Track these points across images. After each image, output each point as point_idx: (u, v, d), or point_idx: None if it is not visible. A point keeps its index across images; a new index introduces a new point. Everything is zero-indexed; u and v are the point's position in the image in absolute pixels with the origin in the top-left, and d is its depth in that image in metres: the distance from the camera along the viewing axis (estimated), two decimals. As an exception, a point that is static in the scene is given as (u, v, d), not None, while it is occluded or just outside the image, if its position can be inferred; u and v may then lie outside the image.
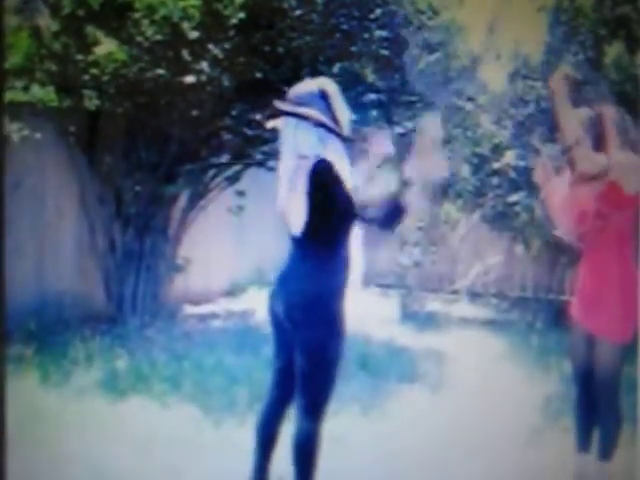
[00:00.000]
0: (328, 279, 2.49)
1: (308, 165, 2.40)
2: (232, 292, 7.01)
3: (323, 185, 2.38)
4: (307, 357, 2.49)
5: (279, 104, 2.51)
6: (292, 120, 2.45)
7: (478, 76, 6.47)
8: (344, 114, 2.48)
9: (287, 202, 2.50)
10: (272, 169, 6.56)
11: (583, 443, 2.96)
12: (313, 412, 2.54)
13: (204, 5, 4.82)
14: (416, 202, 2.50)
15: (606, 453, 2.89)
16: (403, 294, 6.65)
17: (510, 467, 3.10)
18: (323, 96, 2.45)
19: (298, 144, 2.45)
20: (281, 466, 2.65)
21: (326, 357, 2.50)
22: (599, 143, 2.83)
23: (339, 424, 3.67)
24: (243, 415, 3.67)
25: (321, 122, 2.42)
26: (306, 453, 2.53)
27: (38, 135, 4.74)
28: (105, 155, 5.41)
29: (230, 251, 7.17)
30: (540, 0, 6.12)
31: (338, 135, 2.45)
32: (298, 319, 2.51)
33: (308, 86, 2.52)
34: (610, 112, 2.90)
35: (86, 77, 4.80)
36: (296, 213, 2.46)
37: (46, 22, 4.62)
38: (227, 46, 5.00)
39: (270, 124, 2.58)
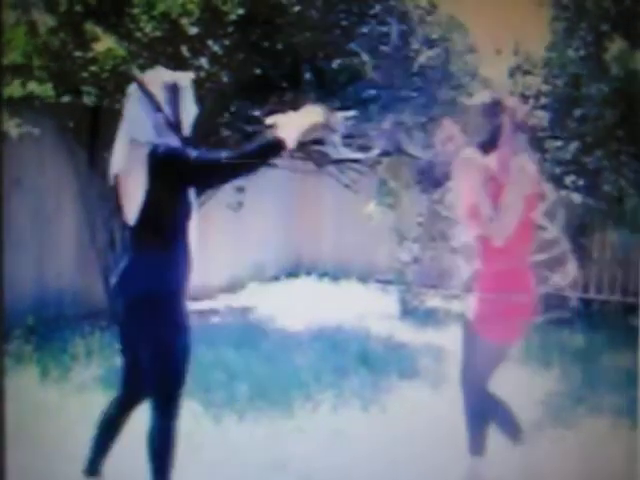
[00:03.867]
0: (166, 273, 2.43)
1: (144, 152, 2.35)
2: (231, 288, 7.01)
3: (163, 171, 2.33)
4: (150, 354, 2.45)
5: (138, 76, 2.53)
6: (137, 98, 2.45)
7: (478, 72, 6.45)
8: (189, 113, 2.48)
9: (122, 189, 2.44)
10: (272, 165, 6.55)
11: (474, 446, 2.88)
12: (164, 409, 2.48)
13: (203, 1, 4.81)
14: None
15: (514, 437, 2.86)
16: (402, 290, 6.65)
17: (509, 462, 3.09)
18: (173, 89, 2.46)
19: (133, 125, 2.43)
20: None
21: (170, 353, 2.44)
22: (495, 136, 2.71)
23: (339, 420, 3.68)
24: (243, 410, 3.68)
25: (160, 108, 2.41)
26: (160, 450, 2.50)
27: (37, 131, 4.73)
28: (104, 151, 5.39)
29: (229, 247, 7.16)
30: (541, -5, 6.10)
31: (175, 131, 2.43)
32: (137, 316, 2.45)
33: (166, 75, 2.52)
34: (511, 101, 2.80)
35: (85, 73, 4.79)
36: (131, 201, 2.41)
37: (43, 18, 4.61)
38: (226, 42, 4.99)
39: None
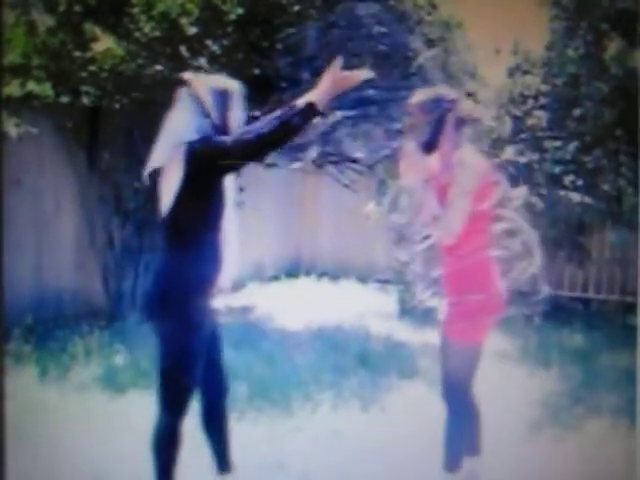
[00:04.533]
0: (188, 269, 2.42)
1: (182, 148, 2.38)
2: (232, 288, 7.00)
3: (199, 161, 2.34)
4: (160, 350, 2.44)
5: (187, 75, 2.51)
6: (185, 102, 2.46)
7: (478, 71, 6.45)
8: (236, 119, 2.49)
9: (159, 186, 2.46)
10: (272, 165, 6.56)
11: (452, 463, 2.75)
12: (169, 406, 2.48)
13: (202, 1, 4.82)
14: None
15: (473, 450, 2.80)
16: (401, 290, 6.65)
17: (508, 462, 3.09)
18: (222, 95, 2.48)
19: (179, 127, 2.44)
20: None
21: (179, 351, 2.42)
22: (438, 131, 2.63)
23: (338, 419, 3.68)
24: (242, 410, 3.68)
25: (208, 114, 2.43)
26: (162, 447, 2.49)
27: (36, 131, 4.74)
28: (104, 151, 5.40)
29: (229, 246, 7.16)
30: (541, -5, 6.10)
31: (221, 134, 2.43)
32: (150, 311, 2.46)
33: (216, 81, 2.54)
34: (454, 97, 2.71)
35: (84, 73, 4.79)
36: (166, 197, 2.42)
37: (42, 18, 4.61)
38: (225, 42, 4.99)
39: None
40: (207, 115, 2.44)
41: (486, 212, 2.65)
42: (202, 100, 2.44)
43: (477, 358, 2.72)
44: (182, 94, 2.50)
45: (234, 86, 2.53)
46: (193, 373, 2.47)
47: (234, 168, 2.46)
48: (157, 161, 2.47)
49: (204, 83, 2.49)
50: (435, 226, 2.66)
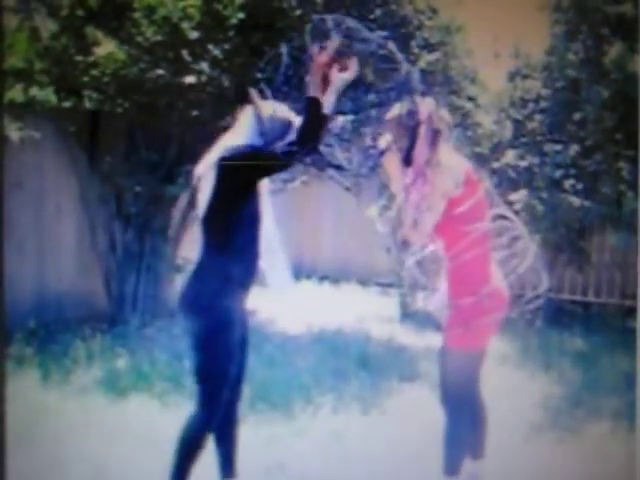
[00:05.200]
0: (222, 270, 2.51)
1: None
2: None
3: (231, 163, 2.47)
4: (194, 348, 2.52)
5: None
6: (248, 119, 2.63)
7: (478, 76, 6.46)
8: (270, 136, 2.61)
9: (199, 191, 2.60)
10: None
11: (451, 468, 2.75)
12: (200, 400, 2.54)
13: (204, 5, 4.83)
14: None
15: (476, 452, 2.82)
16: (403, 293, 6.65)
17: (509, 465, 3.10)
18: (283, 123, 2.64)
19: (233, 140, 2.59)
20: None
21: (213, 350, 2.50)
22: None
23: (339, 422, 3.69)
24: (244, 414, 3.68)
25: (264, 135, 2.59)
26: (185, 440, 2.56)
27: (38, 135, 4.75)
28: (105, 155, 5.42)
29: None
30: (541, -1, 6.12)
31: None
32: (181, 307, 2.56)
33: (279, 110, 2.68)
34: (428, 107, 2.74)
35: (86, 78, 4.80)
36: (203, 191, 2.55)
37: (44, 23, 4.62)
38: (227, 46, 5.01)
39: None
40: (262, 135, 2.58)
41: (470, 212, 2.66)
42: (262, 121, 2.59)
43: (479, 364, 2.72)
44: (247, 112, 2.65)
45: (294, 119, 2.65)
46: (227, 371, 2.53)
47: (268, 172, 2.58)
48: (202, 168, 2.58)
49: (269, 108, 2.64)
50: (406, 233, 2.72)
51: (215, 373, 2.52)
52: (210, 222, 2.54)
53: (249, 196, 2.55)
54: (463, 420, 2.75)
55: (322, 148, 6.30)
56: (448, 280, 2.77)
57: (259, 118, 2.60)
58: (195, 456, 2.57)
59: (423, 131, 2.67)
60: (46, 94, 4.79)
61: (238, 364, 2.63)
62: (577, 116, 5.90)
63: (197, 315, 2.51)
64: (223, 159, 2.50)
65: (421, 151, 2.66)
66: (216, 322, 2.50)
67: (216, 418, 2.57)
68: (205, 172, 2.56)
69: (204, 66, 4.88)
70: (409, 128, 2.69)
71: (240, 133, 2.61)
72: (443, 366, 2.75)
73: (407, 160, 2.70)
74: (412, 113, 2.71)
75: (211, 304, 2.50)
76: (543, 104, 6.22)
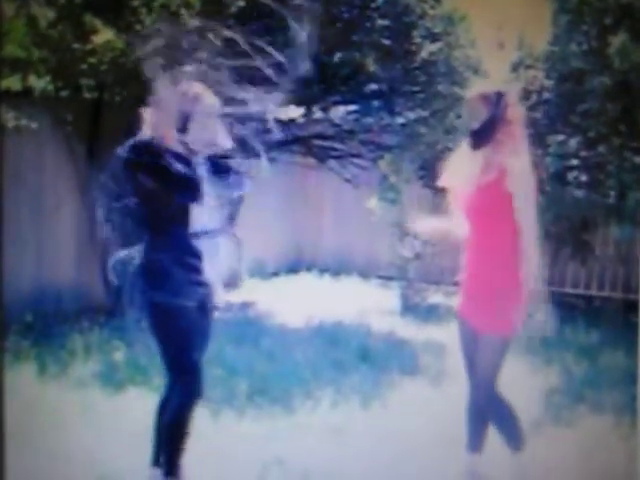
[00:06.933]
0: (156, 262, 2.56)
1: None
2: (231, 283, 6.98)
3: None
4: (154, 335, 2.61)
5: None
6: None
7: (481, 66, 6.40)
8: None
9: None
10: (272, 159, 6.51)
11: (474, 443, 2.86)
12: (171, 384, 2.63)
13: (203, -7, 4.77)
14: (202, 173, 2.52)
15: (515, 444, 2.81)
16: (404, 286, 6.62)
17: (509, 460, 3.07)
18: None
19: None
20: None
21: (163, 339, 2.58)
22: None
23: (339, 416, 3.66)
24: (242, 407, 3.66)
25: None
26: (174, 432, 2.61)
27: (35, 125, 4.70)
28: (104, 145, 5.37)
29: (229, 243, 7.13)
30: (544, -11, 6.05)
31: None
32: (129, 303, 2.78)
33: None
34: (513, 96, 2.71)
35: (84, 66, 4.75)
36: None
37: (43, 10, 4.57)
38: (226, 35, 4.95)
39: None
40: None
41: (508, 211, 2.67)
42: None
43: (505, 350, 2.77)
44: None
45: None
46: (189, 352, 2.57)
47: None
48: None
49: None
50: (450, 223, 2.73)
51: (176, 356, 2.58)
52: (138, 212, 2.59)
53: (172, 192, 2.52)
54: (499, 408, 2.80)
55: (322, 141, 6.29)
56: (474, 269, 2.76)
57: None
58: (183, 442, 2.61)
59: (504, 117, 2.62)
60: (44, 83, 4.74)
61: (202, 336, 2.65)
62: (581, 107, 5.83)
63: (143, 309, 2.59)
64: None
65: (497, 138, 2.62)
66: (162, 312, 2.54)
67: (192, 400, 2.61)
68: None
69: (203, 55, 4.82)
70: (492, 109, 2.62)
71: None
72: (478, 352, 2.76)
73: (479, 140, 2.65)
74: (499, 95, 2.64)
75: (152, 297, 2.55)
76: (546, 95, 6.16)
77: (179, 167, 2.43)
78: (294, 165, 7.43)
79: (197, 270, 2.58)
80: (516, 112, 2.68)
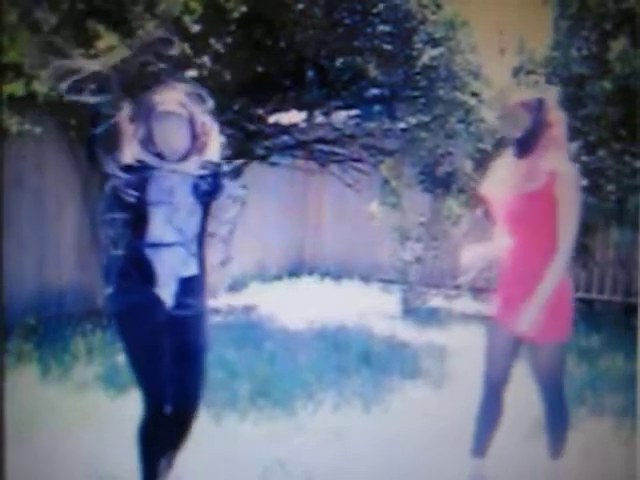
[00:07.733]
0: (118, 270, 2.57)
1: None
2: (233, 287, 7.00)
3: None
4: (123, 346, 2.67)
5: None
6: None
7: (482, 71, 6.43)
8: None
9: None
10: (274, 164, 6.54)
11: (480, 448, 2.85)
12: (145, 399, 2.62)
13: (206, -2, 4.80)
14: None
15: (557, 451, 2.83)
16: (405, 289, 6.64)
17: (510, 462, 3.08)
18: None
19: None
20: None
21: (133, 346, 2.63)
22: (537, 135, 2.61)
23: (341, 419, 3.67)
24: (244, 410, 3.67)
25: None
26: (145, 441, 2.63)
27: (38, 129, 4.73)
28: (105, 150, 5.39)
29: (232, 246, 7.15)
30: (545, -6, 6.08)
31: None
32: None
33: None
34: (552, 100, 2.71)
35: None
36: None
37: (46, 16, 4.59)
38: (229, 40, 4.98)
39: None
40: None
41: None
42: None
43: (565, 353, 2.79)
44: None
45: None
46: (143, 366, 2.62)
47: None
48: None
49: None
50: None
51: (141, 368, 2.63)
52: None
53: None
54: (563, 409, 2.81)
55: (323, 145, 6.30)
56: (515, 276, 2.73)
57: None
58: (157, 451, 2.60)
59: (547, 124, 2.61)
60: (47, 88, 4.75)
61: (174, 343, 2.63)
62: (581, 112, 5.85)
63: (112, 317, 2.62)
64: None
65: (542, 145, 2.61)
66: (121, 320, 2.58)
67: (157, 412, 2.59)
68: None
69: (206, 60, 4.85)
70: (535, 115, 2.60)
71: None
72: (540, 361, 2.78)
73: (524, 148, 2.64)
74: (541, 102, 2.63)
75: (112, 303, 2.58)
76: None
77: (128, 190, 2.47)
78: (295, 169, 7.46)
79: (149, 281, 2.53)
80: (557, 115, 2.67)
